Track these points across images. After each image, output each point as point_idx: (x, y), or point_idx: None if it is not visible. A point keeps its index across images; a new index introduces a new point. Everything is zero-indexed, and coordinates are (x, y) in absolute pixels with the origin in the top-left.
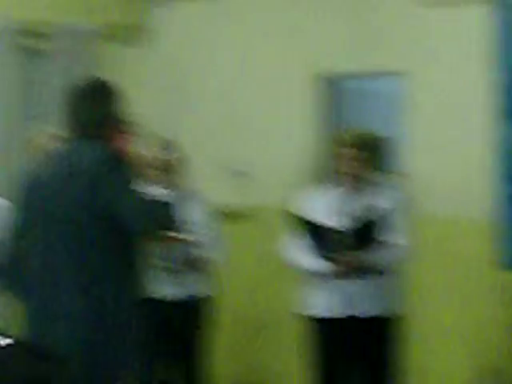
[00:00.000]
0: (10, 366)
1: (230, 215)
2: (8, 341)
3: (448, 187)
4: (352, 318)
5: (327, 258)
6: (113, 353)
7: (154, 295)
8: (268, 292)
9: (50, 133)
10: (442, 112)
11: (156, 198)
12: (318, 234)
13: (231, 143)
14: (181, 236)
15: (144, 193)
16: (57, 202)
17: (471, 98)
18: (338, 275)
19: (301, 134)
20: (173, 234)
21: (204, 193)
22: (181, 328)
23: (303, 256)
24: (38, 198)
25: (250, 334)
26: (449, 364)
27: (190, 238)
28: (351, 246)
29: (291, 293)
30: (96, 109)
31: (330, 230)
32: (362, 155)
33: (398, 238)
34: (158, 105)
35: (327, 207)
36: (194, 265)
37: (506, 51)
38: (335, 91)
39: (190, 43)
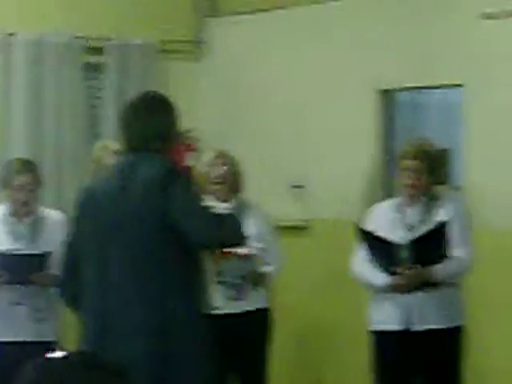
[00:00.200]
0: (71, 378)
1: (287, 228)
2: (65, 353)
3: (503, 198)
4: (414, 331)
5: (390, 272)
6: (182, 367)
7: (212, 310)
8: (324, 304)
9: (112, 147)
10: (498, 124)
11: (223, 212)
12: (381, 248)
13: (289, 156)
14: (240, 250)
15: (210, 207)
16: (116, 216)
17: None
18: (400, 289)
19: (359, 146)
20: (232, 248)
21: (261, 206)
22: (239, 342)
23: (367, 270)
24: (97, 212)
25: (307, 347)
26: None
27: (248, 251)
28: (413, 260)
29: (348, 305)
30: (154, 123)
31: (392, 243)
32: (424, 167)
33: (459, 250)
34: (214, 119)
35: (390, 220)
36: (252, 278)
37: None
38: (393, 104)
39: (247, 57)
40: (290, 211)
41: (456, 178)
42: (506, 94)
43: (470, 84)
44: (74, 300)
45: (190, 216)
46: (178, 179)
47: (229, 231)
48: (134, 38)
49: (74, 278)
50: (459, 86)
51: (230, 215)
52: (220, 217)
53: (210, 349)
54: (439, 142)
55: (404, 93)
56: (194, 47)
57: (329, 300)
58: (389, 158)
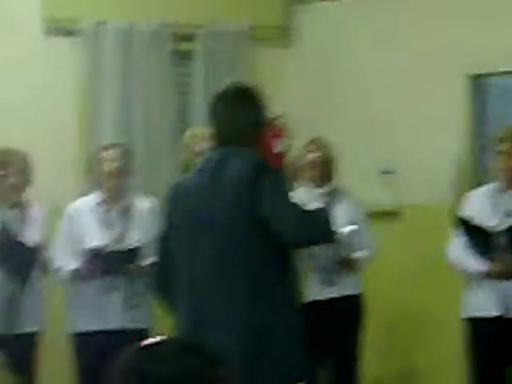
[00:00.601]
0: (169, 364)
1: (378, 214)
2: (162, 339)
3: None
4: (509, 319)
5: (487, 259)
6: (282, 359)
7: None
8: (415, 291)
9: (201, 135)
10: None
11: (316, 209)
12: (478, 235)
13: (378, 141)
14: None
15: (302, 204)
16: (206, 211)
17: None
18: (496, 276)
19: (449, 132)
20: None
21: (352, 192)
22: (332, 328)
23: (464, 256)
24: (188, 207)
25: (398, 334)
26: None
27: (342, 237)
28: (508, 246)
29: (439, 292)
30: (243, 114)
31: (489, 230)
32: None
33: None
34: (302, 105)
35: (486, 207)
36: (345, 264)
37: None
38: (484, 89)
39: (335, 43)
40: (380, 197)
41: None
42: None
43: None
44: (164, 293)
45: (278, 213)
46: (267, 174)
47: (317, 229)
48: (223, 25)
49: (166, 272)
50: None
51: (321, 210)
52: (310, 214)
53: (302, 341)
54: None
55: (496, 77)
56: (283, 34)
57: (420, 287)
58: (480, 143)
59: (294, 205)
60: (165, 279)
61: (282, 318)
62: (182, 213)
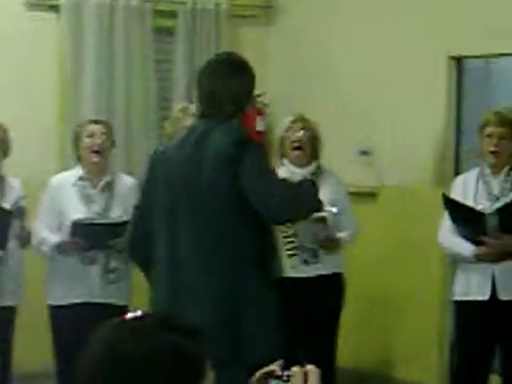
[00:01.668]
0: (148, 339)
1: (356, 195)
2: (142, 313)
3: None
4: (499, 301)
5: (475, 241)
6: (251, 335)
7: (286, 274)
8: (391, 272)
9: (192, 110)
10: None
11: (300, 179)
12: (468, 217)
13: (357, 122)
14: (316, 214)
15: (285, 178)
16: (187, 184)
17: None
18: (486, 258)
19: (428, 114)
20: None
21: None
22: (313, 305)
23: (454, 239)
24: (168, 178)
25: (375, 313)
26: None
27: (324, 216)
28: (499, 229)
29: (415, 273)
30: (230, 85)
31: (477, 212)
32: (508, 134)
33: None
34: (284, 84)
35: (474, 190)
36: (327, 243)
37: None
38: (464, 71)
39: (317, 22)
40: (358, 178)
41: None
42: None
43: None
44: (144, 261)
45: (263, 191)
46: (249, 149)
47: (304, 206)
48: (205, 2)
49: (144, 239)
50: None
51: (307, 182)
52: (295, 190)
53: (279, 319)
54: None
55: (476, 60)
56: (265, 12)
57: (397, 267)
58: (459, 125)
59: (279, 181)
60: (144, 249)
61: (259, 296)
62: (162, 183)
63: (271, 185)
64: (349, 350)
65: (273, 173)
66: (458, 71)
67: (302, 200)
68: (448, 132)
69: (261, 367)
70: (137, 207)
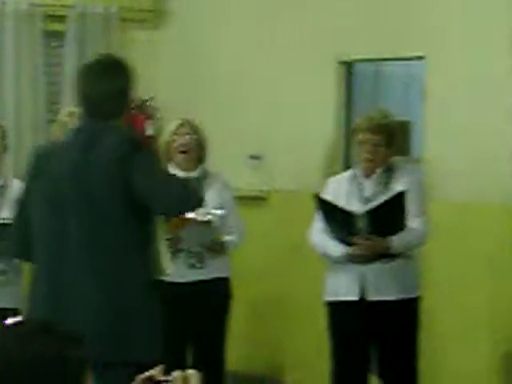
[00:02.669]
0: (29, 345)
1: (246, 199)
2: (21, 319)
3: (461, 171)
4: (369, 302)
5: (347, 242)
6: (134, 335)
7: (171, 278)
8: (281, 276)
9: (72, 112)
10: (457, 96)
11: (182, 177)
12: (339, 218)
13: (248, 127)
14: (200, 218)
15: (172, 173)
16: (76, 182)
17: (489, 82)
18: (356, 259)
19: (318, 118)
20: (193, 215)
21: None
22: (198, 311)
23: (325, 240)
24: (53, 178)
25: (263, 317)
26: (469, 349)
27: (209, 219)
28: (370, 230)
29: (305, 277)
30: (107, 85)
31: (349, 213)
32: (382, 140)
33: (414, 221)
34: (174, 88)
35: (346, 192)
36: (212, 247)
37: None
38: (354, 75)
39: (207, 25)
40: (248, 182)
41: (415, 151)
42: (465, 67)
43: (431, 56)
44: (25, 253)
45: (153, 185)
46: (140, 150)
47: (191, 200)
48: (94, 6)
49: (25, 234)
50: (421, 58)
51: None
52: (181, 179)
53: (161, 323)
54: (400, 114)
55: (365, 64)
56: (154, 15)
57: (285, 271)
58: (348, 129)
59: (167, 175)
60: (24, 243)
61: (142, 300)
62: (47, 180)
63: (161, 180)
64: (239, 354)
65: (162, 170)
66: (348, 74)
67: (185, 192)
68: (338, 134)
69: (145, 368)
70: (19, 202)
